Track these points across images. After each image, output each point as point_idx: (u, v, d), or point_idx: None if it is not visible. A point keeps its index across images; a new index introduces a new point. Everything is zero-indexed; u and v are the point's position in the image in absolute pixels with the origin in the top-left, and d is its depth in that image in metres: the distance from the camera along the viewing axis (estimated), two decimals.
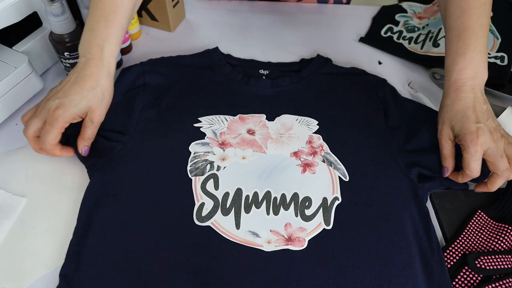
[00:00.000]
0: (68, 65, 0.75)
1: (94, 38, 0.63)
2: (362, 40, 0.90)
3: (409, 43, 0.86)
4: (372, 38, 0.88)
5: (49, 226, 0.60)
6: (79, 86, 0.61)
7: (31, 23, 0.74)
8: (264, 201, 0.61)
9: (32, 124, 0.60)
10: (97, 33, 0.63)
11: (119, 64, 0.82)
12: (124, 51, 0.85)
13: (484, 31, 0.64)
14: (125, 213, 0.59)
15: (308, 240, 0.57)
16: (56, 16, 0.67)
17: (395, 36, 0.89)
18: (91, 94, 0.61)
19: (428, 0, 0.99)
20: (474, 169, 0.59)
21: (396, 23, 0.91)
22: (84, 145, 0.62)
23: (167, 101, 0.72)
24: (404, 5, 0.97)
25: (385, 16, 0.93)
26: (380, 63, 0.86)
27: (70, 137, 0.64)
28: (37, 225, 0.60)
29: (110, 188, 0.62)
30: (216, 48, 0.82)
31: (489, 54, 0.82)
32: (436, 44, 0.83)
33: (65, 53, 0.72)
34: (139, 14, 0.89)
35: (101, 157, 0.64)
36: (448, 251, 0.58)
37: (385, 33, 0.89)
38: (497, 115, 0.69)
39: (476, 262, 0.55)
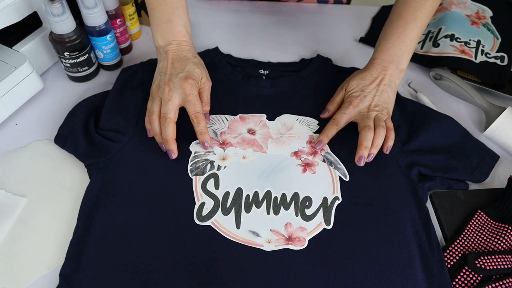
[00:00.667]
0: (68, 65, 0.75)
1: (174, 26, 0.68)
2: (362, 40, 0.90)
3: None
4: (372, 38, 0.88)
5: (49, 226, 0.60)
6: (184, 62, 0.67)
7: (31, 23, 0.74)
8: (265, 201, 0.61)
9: (169, 108, 0.63)
10: (176, 21, 0.69)
11: (119, 64, 0.82)
12: (124, 51, 0.85)
13: (415, 25, 0.67)
14: (125, 212, 0.59)
15: (309, 240, 0.58)
16: (56, 16, 0.67)
17: None
18: (198, 64, 0.68)
19: None
20: (338, 119, 0.66)
21: None
22: (206, 109, 0.67)
23: None
24: None
25: (385, 16, 0.92)
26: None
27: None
28: (37, 225, 0.60)
29: (110, 188, 0.62)
30: (216, 48, 0.82)
31: (489, 54, 0.82)
32: (436, 44, 0.83)
33: (65, 53, 0.72)
34: (139, 14, 0.89)
35: (101, 157, 0.64)
36: (448, 251, 0.58)
37: None
38: (497, 115, 0.69)
39: (476, 262, 0.55)
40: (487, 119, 0.72)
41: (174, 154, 0.63)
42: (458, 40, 0.83)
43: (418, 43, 0.86)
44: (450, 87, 0.77)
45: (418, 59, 0.83)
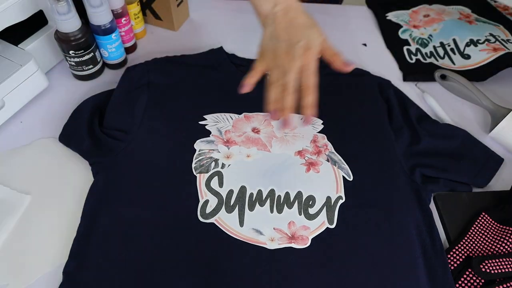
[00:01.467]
0: (73, 63, 0.75)
1: None
2: (406, 79, 0.84)
3: (436, 60, 0.85)
4: (410, 70, 0.85)
5: (53, 223, 0.60)
6: (300, 27, 0.62)
7: (36, 21, 0.74)
8: (268, 199, 0.61)
9: (292, 78, 0.59)
10: None
11: (123, 62, 0.82)
12: (129, 50, 0.85)
13: None
14: (129, 210, 0.59)
15: (312, 239, 0.57)
16: (61, 15, 0.68)
17: (420, 58, 0.87)
18: (313, 25, 0.63)
19: (405, 3, 0.99)
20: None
21: (407, 42, 0.90)
22: (340, 57, 0.63)
23: (172, 99, 0.72)
24: (393, 18, 0.96)
25: (391, 36, 0.92)
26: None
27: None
28: (41, 222, 0.60)
29: (114, 186, 0.62)
30: (221, 48, 0.82)
31: (509, 40, 0.84)
32: (466, 56, 0.83)
33: (70, 52, 0.73)
34: (144, 13, 0.89)
35: (105, 155, 0.65)
36: (451, 253, 0.58)
37: (410, 59, 0.87)
38: (503, 116, 0.69)
39: (481, 266, 0.55)
40: (493, 120, 0.72)
41: (288, 124, 0.62)
42: (480, 42, 0.84)
43: (443, 58, 0.85)
44: (455, 87, 0.77)
45: (463, 75, 0.79)
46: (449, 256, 0.57)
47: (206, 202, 0.60)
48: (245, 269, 0.55)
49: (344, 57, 0.62)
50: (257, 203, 0.61)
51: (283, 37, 0.61)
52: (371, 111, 0.73)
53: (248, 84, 0.62)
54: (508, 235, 0.58)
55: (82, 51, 0.73)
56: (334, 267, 0.55)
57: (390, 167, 0.65)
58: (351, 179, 0.64)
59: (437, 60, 0.85)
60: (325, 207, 0.61)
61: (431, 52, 0.87)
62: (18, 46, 0.72)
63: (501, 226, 0.60)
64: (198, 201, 0.60)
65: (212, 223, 0.58)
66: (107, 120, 0.69)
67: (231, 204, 0.60)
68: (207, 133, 0.68)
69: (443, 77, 0.79)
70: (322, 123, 0.71)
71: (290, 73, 0.59)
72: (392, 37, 0.92)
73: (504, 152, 0.70)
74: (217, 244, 0.57)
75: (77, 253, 0.56)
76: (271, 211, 0.60)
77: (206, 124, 0.69)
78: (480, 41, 0.84)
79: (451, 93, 0.78)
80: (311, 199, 0.61)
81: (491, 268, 0.54)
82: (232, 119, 0.70)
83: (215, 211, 0.59)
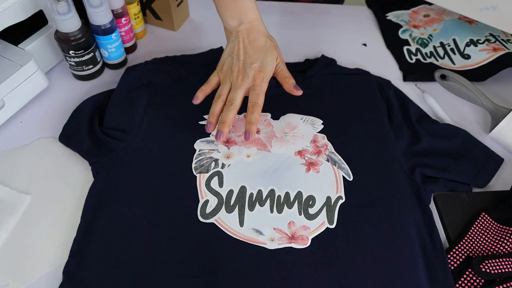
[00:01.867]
0: (73, 63, 0.75)
1: (243, 3, 0.67)
2: (406, 79, 0.84)
3: (436, 60, 0.86)
4: (410, 70, 0.85)
5: (53, 223, 0.60)
6: (258, 49, 0.66)
7: (36, 21, 0.74)
8: (268, 199, 0.61)
9: (239, 95, 0.63)
10: (244, 1, 0.67)
11: (123, 63, 0.82)
12: (129, 50, 0.85)
13: None
14: (129, 210, 0.59)
15: (312, 239, 0.57)
16: (61, 15, 0.68)
17: (420, 58, 0.87)
18: (271, 48, 0.66)
19: (404, 3, 0.99)
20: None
21: (407, 42, 0.91)
22: (292, 82, 0.67)
23: (172, 99, 0.72)
24: (393, 18, 0.96)
25: (391, 36, 0.92)
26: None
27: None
28: (41, 222, 0.60)
29: (114, 185, 0.62)
30: (221, 48, 0.82)
31: (509, 40, 0.84)
32: (466, 56, 0.83)
33: (71, 52, 0.73)
34: (144, 13, 0.89)
35: (105, 155, 0.65)
36: (451, 253, 0.58)
37: (410, 59, 0.87)
38: (503, 116, 0.69)
39: (481, 266, 0.55)
40: (493, 121, 0.72)
41: (224, 136, 0.63)
42: (480, 42, 0.84)
43: (443, 58, 0.86)
44: (455, 87, 0.77)
45: (463, 75, 0.79)
46: (449, 256, 0.57)
47: (206, 202, 0.60)
48: (245, 269, 0.55)
49: (293, 81, 0.67)
50: (257, 203, 0.61)
51: (241, 56, 0.65)
52: (370, 111, 0.73)
53: (199, 97, 0.66)
54: (508, 235, 0.58)
55: (82, 51, 0.73)
56: (334, 267, 0.55)
57: (390, 167, 0.65)
58: (351, 179, 0.64)
59: (437, 60, 0.85)
60: (325, 207, 0.61)
61: (431, 52, 0.87)
62: (18, 46, 0.72)
63: (501, 226, 0.60)
64: (198, 201, 0.60)
65: (212, 223, 0.58)
66: (107, 120, 0.69)
67: (231, 204, 0.60)
68: (207, 133, 0.68)
69: (443, 77, 0.79)
70: (322, 123, 0.70)
71: (238, 90, 0.63)
72: (392, 37, 0.92)
73: (504, 152, 0.70)
74: (217, 244, 0.57)
75: (77, 253, 0.56)
76: (271, 211, 0.60)
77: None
78: (480, 41, 0.84)
79: (451, 93, 0.78)
80: (311, 199, 0.61)
81: (491, 268, 0.54)
82: None
83: (215, 211, 0.59)
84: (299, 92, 0.66)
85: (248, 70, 0.64)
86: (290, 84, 0.66)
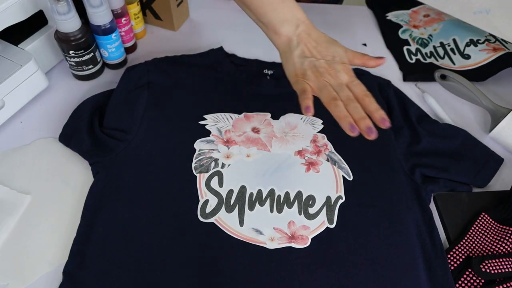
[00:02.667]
0: (73, 63, 0.75)
1: (292, 3, 0.63)
2: (406, 79, 0.84)
3: (436, 60, 0.86)
4: (410, 70, 0.85)
5: (53, 223, 0.60)
6: (325, 42, 0.61)
7: (36, 21, 0.74)
8: (268, 199, 0.61)
9: (346, 90, 0.57)
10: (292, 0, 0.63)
11: (123, 63, 0.82)
12: (129, 50, 0.85)
13: None
14: (129, 210, 0.59)
15: (311, 238, 0.57)
16: (61, 15, 0.68)
17: (420, 58, 0.87)
18: (335, 42, 0.62)
19: (404, 3, 0.99)
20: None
21: (407, 42, 0.90)
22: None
23: (172, 99, 0.72)
24: (393, 18, 0.96)
25: (391, 36, 0.92)
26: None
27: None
28: (41, 222, 0.60)
29: (114, 185, 0.62)
30: (221, 48, 0.82)
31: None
32: (466, 56, 0.83)
33: (70, 52, 0.73)
34: (144, 13, 0.89)
35: (105, 155, 0.65)
36: (451, 253, 0.58)
37: (410, 59, 0.87)
38: (503, 116, 0.69)
39: (481, 266, 0.55)
40: (493, 121, 0.72)
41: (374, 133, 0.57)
42: (480, 42, 0.84)
43: (443, 58, 0.86)
44: (455, 87, 0.77)
45: (463, 75, 0.79)
46: (449, 256, 0.57)
47: (206, 202, 0.60)
48: (245, 269, 0.55)
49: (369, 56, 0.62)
50: (257, 202, 0.61)
51: (318, 55, 0.60)
52: None
53: (310, 107, 0.56)
54: (508, 235, 0.58)
55: (82, 51, 0.73)
56: (334, 267, 0.55)
57: (390, 167, 0.65)
58: (351, 179, 0.64)
59: (437, 60, 0.85)
60: (325, 207, 0.61)
61: (431, 52, 0.87)
62: (18, 46, 0.72)
63: (501, 226, 0.60)
64: (198, 201, 0.60)
65: (212, 223, 0.58)
66: (107, 120, 0.69)
67: (231, 203, 0.60)
68: (207, 133, 0.68)
69: (443, 77, 0.79)
70: (322, 123, 0.70)
71: (343, 88, 0.57)
72: (392, 37, 0.92)
73: (504, 152, 0.70)
74: (217, 244, 0.57)
75: (77, 253, 0.56)
76: (271, 210, 0.60)
77: (206, 124, 0.69)
78: (480, 41, 0.84)
79: (451, 93, 0.78)
80: (311, 199, 0.61)
81: (491, 268, 0.54)
82: (232, 118, 0.70)
83: (215, 211, 0.59)
84: (382, 60, 0.62)
85: (334, 65, 0.58)
86: (368, 59, 0.61)
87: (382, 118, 0.54)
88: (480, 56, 0.82)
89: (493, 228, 0.60)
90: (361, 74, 0.79)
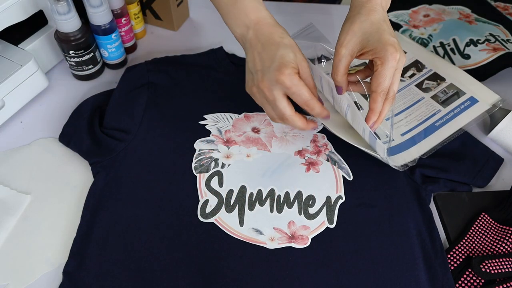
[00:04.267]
0: (73, 63, 0.75)
1: (244, 4, 0.58)
2: None
3: None
4: None
5: (53, 223, 0.60)
6: (271, 48, 0.55)
7: (37, 21, 0.74)
8: (268, 199, 0.61)
9: (281, 107, 0.55)
10: (245, 1, 0.58)
11: (123, 62, 0.82)
12: (129, 50, 0.85)
13: None
14: (129, 210, 0.60)
15: (311, 238, 0.57)
16: (61, 15, 0.68)
17: None
18: (288, 45, 0.55)
19: (405, 3, 0.99)
20: (386, 86, 0.53)
21: None
22: (313, 93, 0.56)
23: (172, 99, 0.72)
24: (392, 18, 0.96)
25: None
26: None
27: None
28: (41, 222, 0.60)
29: (114, 186, 0.62)
30: (221, 48, 0.82)
31: (509, 40, 0.84)
32: (466, 56, 0.83)
33: (71, 52, 0.73)
34: (144, 13, 0.89)
35: (105, 155, 0.65)
36: (451, 253, 0.58)
37: None
38: (502, 117, 0.69)
39: (481, 266, 0.55)
40: (492, 121, 0.72)
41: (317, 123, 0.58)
42: (480, 42, 0.84)
43: (443, 57, 0.85)
44: None
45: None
46: (449, 256, 0.57)
47: (206, 202, 0.60)
48: (245, 269, 0.55)
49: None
50: (257, 202, 0.61)
51: (258, 66, 0.56)
52: None
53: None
54: (508, 235, 0.58)
55: (82, 51, 0.73)
56: (334, 267, 0.55)
57: (390, 167, 0.65)
58: (351, 179, 0.64)
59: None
60: (325, 207, 0.61)
61: (431, 52, 0.87)
62: (18, 46, 0.72)
63: (501, 226, 0.60)
64: (198, 200, 0.60)
65: (212, 223, 0.58)
66: (107, 120, 0.69)
67: (231, 203, 0.60)
68: (207, 133, 0.68)
69: None
70: (321, 123, 0.70)
71: (277, 103, 0.55)
72: None
73: (504, 152, 0.70)
74: (217, 244, 0.57)
75: (77, 253, 0.56)
76: (271, 210, 0.60)
77: (206, 124, 0.69)
78: (480, 41, 0.84)
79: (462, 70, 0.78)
80: (311, 199, 0.61)
81: (491, 268, 0.54)
82: (232, 118, 0.70)
83: (215, 210, 0.60)
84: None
85: (268, 76, 0.54)
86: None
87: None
88: (480, 56, 0.82)
89: (493, 228, 0.60)
90: None
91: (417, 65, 0.79)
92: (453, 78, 0.75)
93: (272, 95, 0.55)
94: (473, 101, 0.71)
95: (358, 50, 0.55)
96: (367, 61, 0.66)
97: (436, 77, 0.76)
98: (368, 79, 0.58)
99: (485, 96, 0.71)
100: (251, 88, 0.58)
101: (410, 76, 0.77)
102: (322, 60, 0.71)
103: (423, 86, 0.75)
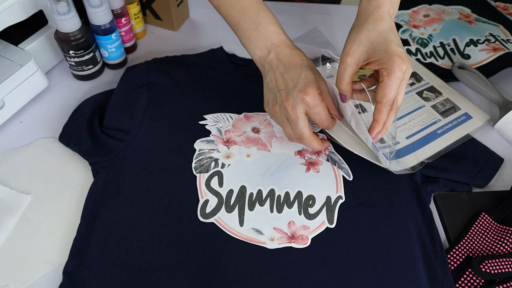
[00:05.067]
0: (73, 63, 0.75)
1: (266, 28, 0.61)
2: None
3: (436, 60, 0.85)
4: None
5: (53, 223, 0.60)
6: (295, 70, 0.58)
7: (37, 21, 0.74)
8: (268, 199, 0.61)
9: (302, 127, 0.57)
10: (266, 22, 0.61)
11: (123, 62, 0.82)
12: (129, 50, 0.85)
13: None
14: (129, 210, 0.59)
15: (311, 238, 0.57)
16: (62, 15, 0.68)
17: (420, 58, 0.86)
18: (309, 67, 0.59)
19: (404, 3, 0.99)
20: (391, 97, 0.53)
21: (407, 42, 0.90)
22: (333, 113, 0.60)
23: (172, 99, 0.72)
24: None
25: None
26: None
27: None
28: (41, 222, 0.60)
29: (114, 186, 0.62)
30: (221, 48, 0.82)
31: (509, 40, 0.84)
32: (466, 56, 0.83)
33: (70, 52, 0.73)
34: (144, 13, 0.89)
35: (105, 155, 0.65)
36: (451, 253, 0.57)
37: None
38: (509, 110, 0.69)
39: (481, 266, 0.55)
40: (501, 114, 0.72)
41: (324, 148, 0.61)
42: (480, 42, 0.84)
43: (443, 58, 0.85)
44: (467, 79, 0.77)
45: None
46: (449, 256, 0.57)
47: (206, 202, 0.60)
48: (245, 269, 0.55)
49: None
50: (257, 202, 0.61)
51: (281, 86, 0.59)
52: None
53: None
54: (508, 235, 0.58)
55: (82, 51, 0.73)
56: (334, 267, 0.55)
57: None
58: (351, 179, 0.64)
59: (437, 60, 0.85)
60: (325, 207, 0.61)
61: (431, 52, 0.87)
62: (18, 46, 0.72)
63: (501, 226, 0.60)
64: (198, 201, 0.60)
65: (212, 223, 0.58)
66: (107, 120, 0.69)
67: (231, 203, 0.60)
68: (207, 133, 0.68)
69: (461, 66, 0.79)
70: None
71: (298, 122, 0.57)
72: None
73: (505, 152, 0.70)
74: (217, 244, 0.57)
75: (77, 253, 0.56)
76: (271, 210, 0.60)
77: (206, 124, 0.69)
78: (480, 41, 0.84)
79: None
80: (311, 199, 0.61)
81: (491, 268, 0.54)
82: (232, 118, 0.70)
83: (215, 210, 0.60)
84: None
85: (294, 95, 0.56)
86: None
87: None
88: (480, 56, 0.82)
89: (493, 228, 0.60)
90: None
91: (415, 76, 0.80)
92: (448, 94, 0.76)
93: (295, 113, 0.56)
94: (468, 116, 0.73)
95: (364, 59, 0.55)
96: None
97: (434, 90, 0.77)
98: (373, 87, 0.59)
99: (476, 114, 0.73)
100: (274, 107, 0.60)
101: (411, 85, 0.78)
102: (328, 66, 0.73)
103: (423, 96, 0.76)
